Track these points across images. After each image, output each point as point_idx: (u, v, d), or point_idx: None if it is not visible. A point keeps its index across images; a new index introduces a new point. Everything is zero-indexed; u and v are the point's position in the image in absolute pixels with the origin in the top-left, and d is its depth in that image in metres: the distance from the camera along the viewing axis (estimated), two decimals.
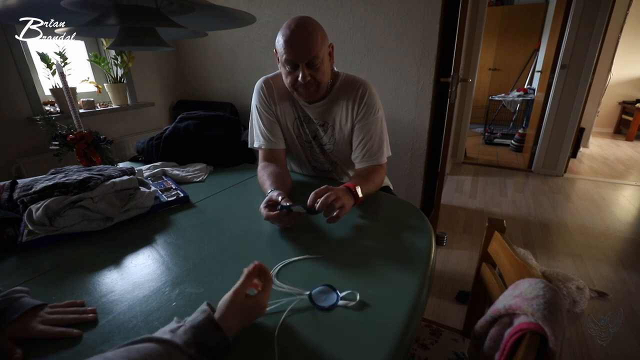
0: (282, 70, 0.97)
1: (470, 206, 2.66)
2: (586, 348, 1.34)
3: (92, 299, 0.58)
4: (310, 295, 0.57)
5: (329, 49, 0.97)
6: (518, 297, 0.51)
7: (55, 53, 1.72)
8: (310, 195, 0.79)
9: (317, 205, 0.77)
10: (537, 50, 4.77)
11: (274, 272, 0.65)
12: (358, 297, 0.56)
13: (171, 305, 0.56)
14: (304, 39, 0.87)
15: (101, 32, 1.16)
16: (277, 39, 0.92)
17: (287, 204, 0.78)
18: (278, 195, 0.83)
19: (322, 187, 0.81)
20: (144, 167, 1.20)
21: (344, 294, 0.57)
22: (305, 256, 0.70)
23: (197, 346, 0.43)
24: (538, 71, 4.21)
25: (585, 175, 3.32)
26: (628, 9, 3.77)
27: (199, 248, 0.75)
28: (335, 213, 0.77)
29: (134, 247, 0.75)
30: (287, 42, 0.88)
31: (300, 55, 0.88)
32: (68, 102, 1.16)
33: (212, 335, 0.44)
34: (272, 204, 0.82)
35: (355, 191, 0.86)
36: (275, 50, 0.95)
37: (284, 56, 0.90)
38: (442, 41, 1.71)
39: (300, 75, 0.90)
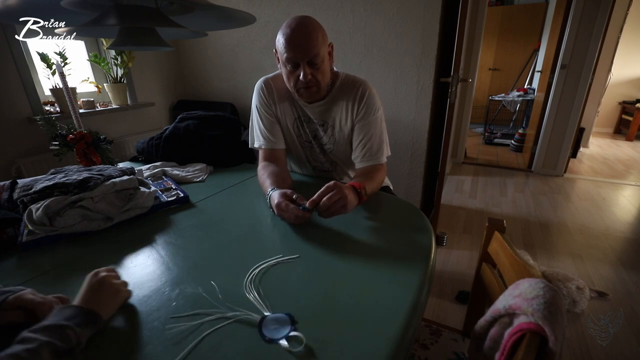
0: (282, 70, 0.97)
1: (470, 206, 2.66)
2: (586, 348, 1.34)
3: None
4: (262, 320, 0.52)
5: (329, 49, 0.97)
6: (518, 297, 0.51)
7: (55, 53, 1.72)
8: (317, 195, 0.79)
9: (319, 205, 0.78)
10: (537, 50, 4.77)
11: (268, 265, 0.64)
12: (304, 343, 0.48)
13: (171, 305, 0.56)
14: (305, 38, 0.87)
15: (101, 32, 1.16)
16: (277, 38, 0.92)
17: (304, 203, 0.80)
18: (292, 193, 0.84)
19: (328, 184, 0.80)
20: (144, 167, 1.20)
21: (294, 333, 0.49)
22: (300, 256, 0.70)
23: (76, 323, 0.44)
24: (538, 71, 4.21)
25: (585, 175, 3.32)
26: (628, 9, 3.76)
27: (199, 248, 0.75)
28: (329, 215, 0.79)
29: (134, 247, 0.75)
30: (288, 41, 0.88)
31: (302, 53, 0.88)
32: (68, 102, 1.16)
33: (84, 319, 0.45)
34: (289, 199, 0.82)
35: (362, 191, 0.86)
36: (276, 50, 0.95)
37: (285, 55, 0.90)
38: (442, 41, 1.71)
39: (301, 74, 0.90)
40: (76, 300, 0.51)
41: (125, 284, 0.58)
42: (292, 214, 0.79)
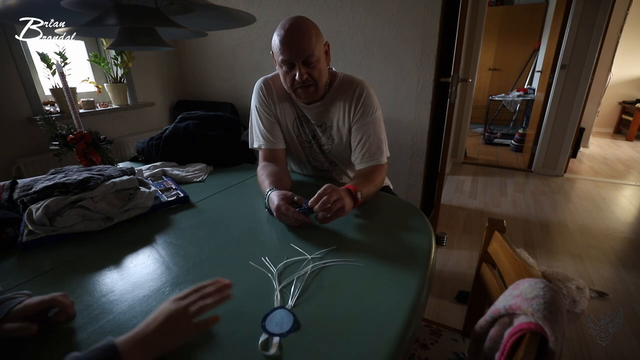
0: (279, 71, 0.97)
1: (470, 206, 2.66)
2: (586, 348, 1.34)
3: (92, 299, 0.58)
4: (264, 317, 0.52)
5: (325, 48, 0.97)
6: (518, 297, 0.51)
7: (55, 53, 1.72)
8: (314, 197, 0.79)
9: (317, 205, 0.77)
10: (537, 50, 4.77)
11: (274, 275, 0.65)
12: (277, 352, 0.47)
13: None
14: (298, 38, 0.88)
15: (101, 32, 1.15)
16: (272, 40, 0.92)
17: (305, 204, 0.80)
18: (292, 195, 0.83)
19: (325, 187, 0.80)
20: (144, 167, 1.20)
21: (289, 330, 0.50)
22: (305, 257, 0.70)
23: None
24: (538, 71, 4.21)
25: (585, 175, 3.32)
26: (628, 9, 3.77)
27: (199, 248, 0.75)
28: (329, 215, 0.78)
29: (134, 247, 0.75)
30: (282, 42, 0.88)
31: (296, 54, 0.89)
32: (68, 102, 1.16)
33: None
34: (289, 202, 0.82)
35: (356, 194, 0.86)
36: (272, 52, 0.95)
37: (280, 57, 0.90)
38: (442, 41, 1.71)
39: (297, 75, 0.91)
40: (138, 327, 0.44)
41: (199, 310, 0.48)
42: (292, 218, 0.79)
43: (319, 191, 0.80)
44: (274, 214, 0.83)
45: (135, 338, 0.42)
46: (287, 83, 0.96)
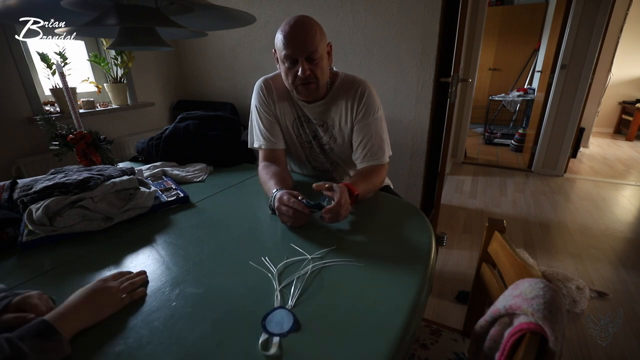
0: (281, 67, 0.97)
1: (470, 206, 2.66)
2: (586, 348, 1.34)
3: None
4: (264, 317, 0.53)
5: (328, 48, 0.97)
6: (518, 297, 0.51)
7: (55, 53, 1.72)
8: (332, 206, 0.79)
9: (328, 217, 0.78)
10: (537, 50, 4.77)
11: (274, 275, 0.65)
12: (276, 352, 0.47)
13: (171, 305, 0.56)
14: (302, 34, 0.88)
15: (101, 32, 1.15)
16: (276, 36, 0.92)
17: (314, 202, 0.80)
18: (297, 194, 0.83)
19: (339, 199, 0.79)
20: (144, 167, 1.20)
21: (289, 330, 0.50)
22: (305, 257, 0.70)
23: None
24: (538, 71, 4.21)
25: (585, 175, 3.32)
26: (628, 9, 3.77)
27: (199, 248, 0.75)
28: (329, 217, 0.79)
29: (134, 247, 0.75)
30: (286, 37, 0.89)
31: (300, 49, 0.89)
32: (68, 102, 1.16)
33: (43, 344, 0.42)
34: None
35: (355, 196, 0.86)
36: (275, 50, 0.95)
37: (284, 52, 0.90)
38: (442, 41, 1.71)
39: (299, 70, 0.91)
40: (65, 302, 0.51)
41: (126, 289, 0.57)
42: (292, 209, 0.78)
43: (336, 200, 0.79)
44: (276, 205, 0.82)
45: (64, 311, 0.49)
46: (288, 79, 0.96)
